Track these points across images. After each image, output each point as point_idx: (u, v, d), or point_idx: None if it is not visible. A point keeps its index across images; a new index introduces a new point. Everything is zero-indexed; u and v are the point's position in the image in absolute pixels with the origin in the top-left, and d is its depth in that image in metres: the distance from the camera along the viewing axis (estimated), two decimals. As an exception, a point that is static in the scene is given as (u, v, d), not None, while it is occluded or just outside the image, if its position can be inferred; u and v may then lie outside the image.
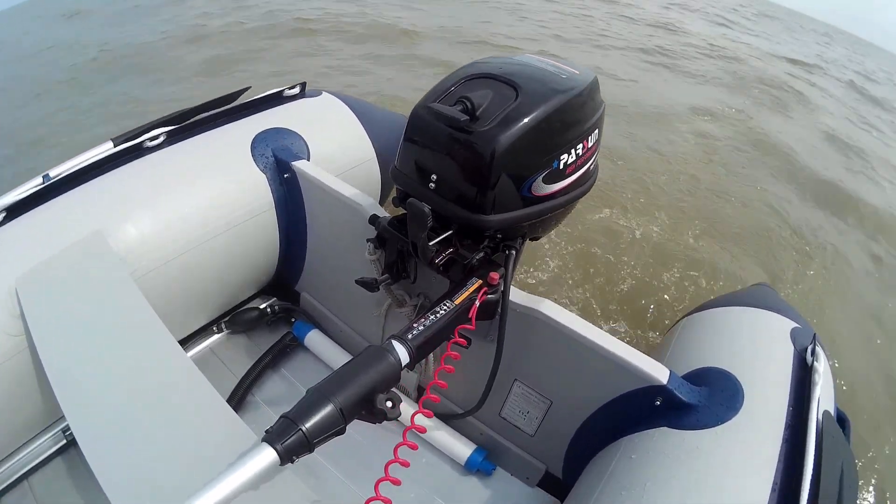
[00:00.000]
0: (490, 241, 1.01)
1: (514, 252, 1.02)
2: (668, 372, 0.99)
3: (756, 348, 1.10)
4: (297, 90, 1.67)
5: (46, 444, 1.33)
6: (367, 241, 1.20)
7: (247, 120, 1.54)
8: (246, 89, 1.66)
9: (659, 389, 0.98)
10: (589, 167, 1.08)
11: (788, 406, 0.95)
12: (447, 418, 1.36)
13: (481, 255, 0.99)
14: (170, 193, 1.36)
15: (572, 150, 1.00)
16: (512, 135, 0.91)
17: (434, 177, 0.96)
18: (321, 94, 1.73)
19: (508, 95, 0.95)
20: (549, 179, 0.99)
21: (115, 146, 1.41)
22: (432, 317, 0.92)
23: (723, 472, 0.86)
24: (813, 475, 0.81)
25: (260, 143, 1.48)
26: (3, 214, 1.24)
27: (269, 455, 0.70)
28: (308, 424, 0.71)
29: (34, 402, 1.25)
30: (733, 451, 0.89)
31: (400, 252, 1.16)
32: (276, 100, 1.64)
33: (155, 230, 1.31)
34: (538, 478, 1.31)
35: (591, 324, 1.06)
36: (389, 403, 0.78)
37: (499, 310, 1.03)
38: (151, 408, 0.94)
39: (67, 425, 1.32)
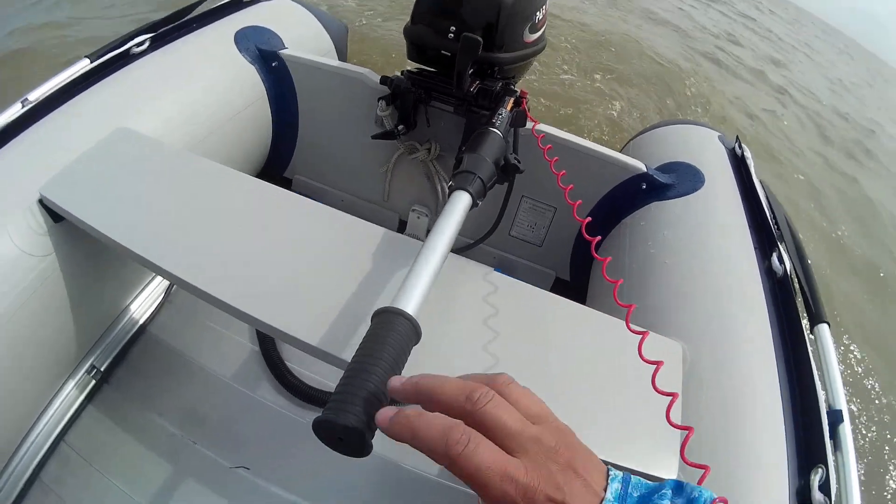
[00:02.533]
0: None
1: (514, 85, 1.35)
2: (644, 164, 1.39)
3: (700, 147, 1.54)
4: (247, -1, 1.84)
5: (73, 394, 1.36)
6: (379, 99, 1.47)
7: (220, 22, 1.70)
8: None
9: (642, 176, 1.38)
10: (545, 28, 1.41)
11: (736, 180, 1.39)
12: (461, 251, 1.55)
13: (500, 84, 1.30)
14: (169, 91, 1.48)
15: (542, 8, 1.33)
16: (514, -9, 1.21)
17: (453, 28, 1.24)
18: (263, 2, 1.91)
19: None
20: (532, 29, 1.31)
21: (91, 62, 1.45)
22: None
23: (709, 221, 1.27)
24: (770, 214, 1.24)
25: (242, 40, 1.66)
26: None
27: (464, 200, 0.86)
28: (481, 175, 0.93)
29: (60, 342, 1.27)
30: (711, 207, 1.31)
31: (414, 102, 1.43)
32: (238, 4, 1.79)
33: (165, 129, 1.41)
34: (549, 284, 1.66)
35: (579, 136, 1.43)
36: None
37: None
38: (280, 242, 1.01)
39: (91, 364, 1.38)
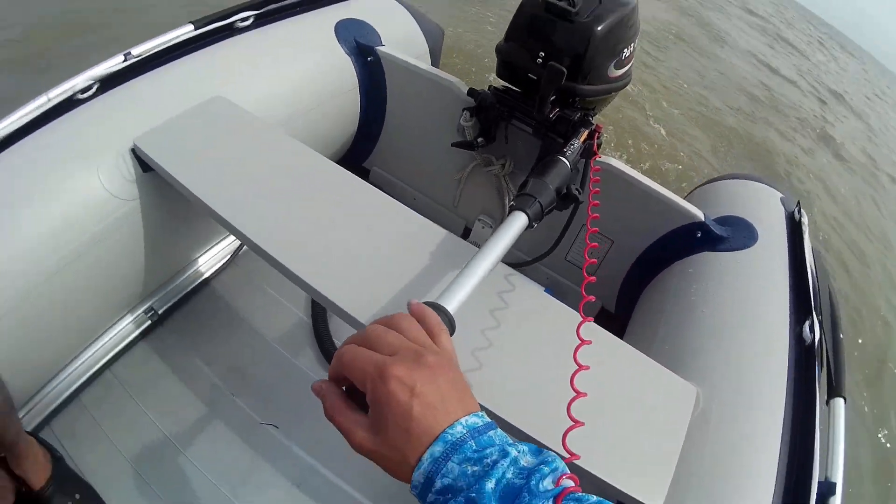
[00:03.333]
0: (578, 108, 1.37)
1: (592, 116, 1.38)
2: (703, 213, 1.41)
3: (760, 205, 1.55)
4: (349, -11, 1.93)
5: (128, 328, 1.47)
6: (464, 109, 1.53)
7: (324, 10, 1.80)
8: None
9: (699, 225, 1.41)
10: (632, 65, 1.44)
11: (788, 242, 1.40)
12: (517, 266, 1.56)
13: (579, 114, 1.34)
14: (266, 69, 1.58)
15: (630, 46, 1.36)
16: (603, 27, 1.24)
17: (542, 53, 1.28)
18: None
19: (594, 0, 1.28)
20: (618, 66, 1.34)
21: (195, 28, 1.54)
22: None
23: (753, 280, 1.29)
24: (813, 283, 1.26)
25: (342, 30, 1.75)
26: (97, 86, 1.30)
27: (521, 220, 0.93)
28: (542, 198, 1.01)
29: (127, 279, 1.37)
30: (758, 266, 1.33)
31: (496, 118, 1.49)
32: (332, -3, 1.88)
33: (258, 103, 1.48)
34: (594, 312, 1.70)
35: (645, 175, 1.46)
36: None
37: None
38: (343, 223, 1.11)
39: (150, 306, 1.49)
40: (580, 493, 0.44)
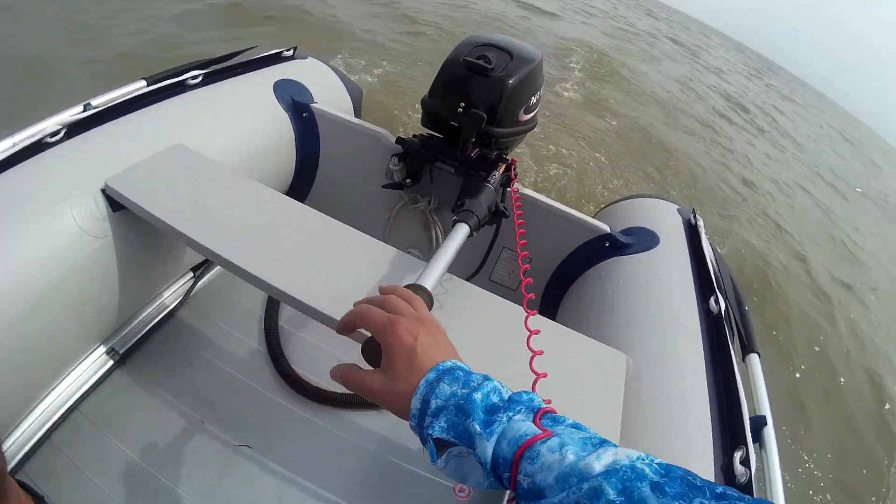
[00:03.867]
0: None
1: (506, 155, 1.64)
2: (609, 226, 1.69)
3: (660, 216, 1.87)
4: (291, 52, 2.15)
5: (92, 367, 1.52)
6: (393, 155, 1.77)
7: (262, 71, 2.01)
8: (254, 47, 2.10)
9: (606, 236, 1.69)
10: (538, 110, 1.72)
11: (687, 241, 1.71)
12: None
13: (496, 152, 1.59)
14: (216, 121, 1.75)
15: (537, 94, 1.65)
16: (514, 80, 1.52)
17: (462, 104, 1.54)
18: (307, 57, 2.22)
19: (505, 57, 1.56)
20: (526, 111, 1.62)
21: (148, 85, 1.71)
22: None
23: (660, 273, 1.57)
24: (714, 268, 1.56)
25: (280, 89, 1.96)
26: (65, 131, 1.42)
27: (464, 229, 1.19)
28: (478, 212, 1.26)
29: (90, 318, 1.44)
30: (663, 262, 1.61)
31: (422, 161, 1.73)
32: (278, 58, 2.11)
33: (209, 151, 1.61)
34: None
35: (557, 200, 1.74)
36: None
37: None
38: (300, 245, 1.27)
39: (114, 345, 1.56)
40: (557, 414, 0.56)
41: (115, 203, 1.37)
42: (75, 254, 1.30)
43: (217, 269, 1.91)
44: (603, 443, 0.51)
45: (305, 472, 1.42)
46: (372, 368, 0.63)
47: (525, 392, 0.58)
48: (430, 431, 0.56)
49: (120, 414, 1.48)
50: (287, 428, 1.50)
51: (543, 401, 0.58)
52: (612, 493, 0.43)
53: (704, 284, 1.53)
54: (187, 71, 1.81)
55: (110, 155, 1.44)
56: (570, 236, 1.78)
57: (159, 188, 1.37)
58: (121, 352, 1.56)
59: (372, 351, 0.65)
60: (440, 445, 0.56)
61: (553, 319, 1.77)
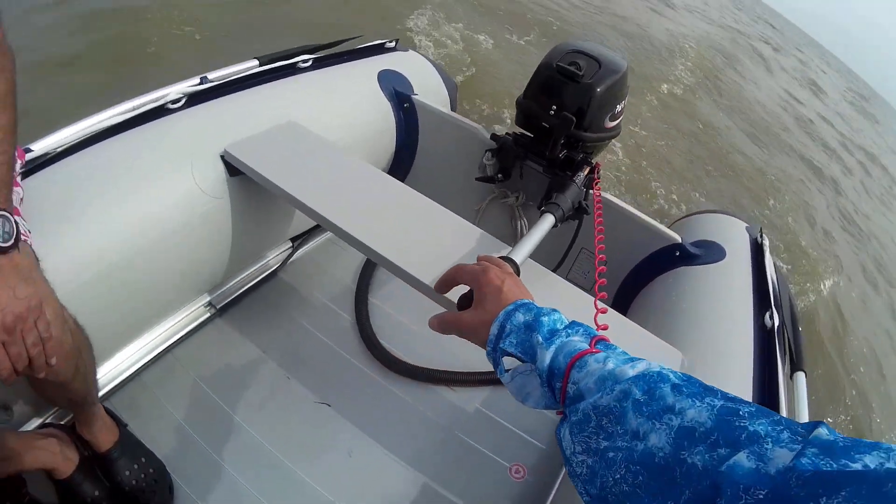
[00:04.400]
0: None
1: (591, 159, 1.74)
2: (680, 237, 1.77)
3: (728, 232, 1.93)
4: (394, 44, 2.30)
5: (193, 315, 1.68)
6: (486, 150, 1.88)
7: (367, 60, 2.15)
8: (359, 36, 2.26)
9: (677, 246, 1.77)
10: (623, 118, 1.79)
11: (752, 260, 1.77)
12: None
13: (582, 155, 1.69)
14: (324, 103, 1.90)
15: (622, 102, 1.72)
16: (602, 87, 1.60)
17: (554, 107, 1.63)
18: (408, 49, 2.37)
19: (595, 65, 1.63)
20: (612, 118, 1.70)
21: (260, 65, 1.86)
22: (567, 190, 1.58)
23: (723, 285, 1.64)
24: (773, 285, 1.62)
25: (383, 79, 2.10)
26: (185, 99, 1.57)
27: (550, 219, 1.36)
28: (563, 206, 1.41)
29: (201, 268, 1.59)
30: (726, 275, 1.68)
31: (513, 158, 1.84)
32: (381, 49, 2.25)
33: (316, 129, 1.74)
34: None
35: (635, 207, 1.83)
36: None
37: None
38: (398, 217, 1.41)
39: (215, 297, 1.72)
40: (609, 342, 0.65)
41: (232, 168, 1.53)
42: (191, 210, 1.46)
43: (316, 240, 2.06)
44: (641, 359, 0.60)
45: (376, 434, 1.54)
46: None
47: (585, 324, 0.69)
48: (502, 345, 0.67)
49: (211, 361, 1.62)
50: (365, 392, 1.63)
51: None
52: (637, 394, 0.52)
53: (763, 300, 1.58)
54: (298, 55, 1.96)
55: (228, 125, 1.60)
56: (644, 242, 1.85)
57: (274, 158, 1.52)
58: (218, 306, 1.72)
59: (466, 304, 0.78)
60: (509, 367, 0.67)
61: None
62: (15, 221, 0.84)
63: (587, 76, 1.60)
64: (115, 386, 1.48)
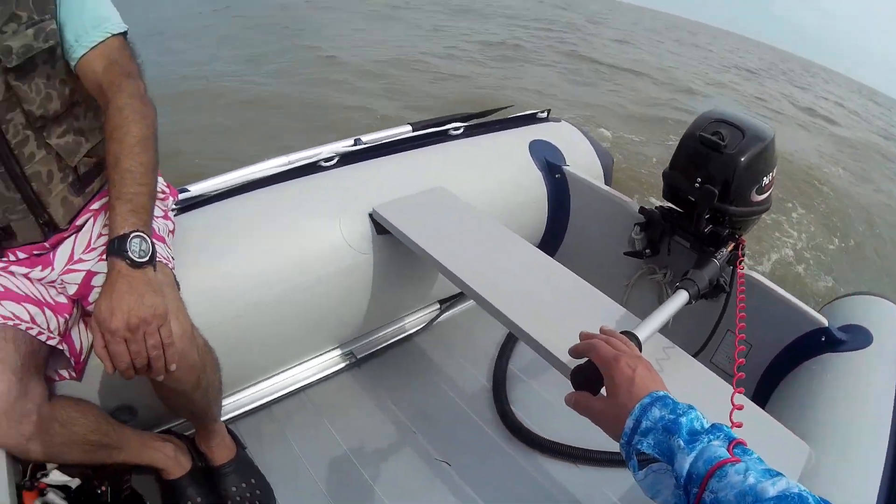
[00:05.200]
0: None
1: (739, 235, 1.66)
2: (826, 320, 1.62)
3: (879, 317, 1.74)
4: (545, 114, 2.36)
5: (331, 361, 1.77)
6: (635, 224, 1.86)
7: (518, 130, 2.23)
8: (510, 106, 2.37)
9: (824, 330, 1.61)
10: (771, 192, 1.68)
11: None
12: None
13: (728, 230, 1.62)
14: (474, 171, 1.97)
15: (769, 174, 1.62)
16: (745, 158, 1.53)
17: (699, 179, 1.59)
18: (560, 120, 2.42)
19: (738, 134, 1.57)
20: (759, 192, 1.61)
21: (413, 130, 2.01)
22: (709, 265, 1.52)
23: (864, 378, 1.48)
24: None
25: (535, 149, 2.15)
26: (337, 158, 1.71)
27: (683, 296, 1.35)
28: (699, 283, 1.38)
29: (343, 317, 1.68)
30: (869, 366, 1.51)
31: (661, 233, 1.80)
32: (533, 119, 2.33)
33: (465, 197, 1.79)
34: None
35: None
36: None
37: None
38: (534, 290, 1.41)
39: (354, 348, 1.80)
40: (746, 447, 0.64)
41: (379, 227, 1.64)
42: (338, 262, 1.59)
43: (461, 306, 2.11)
44: (780, 474, 0.58)
45: (492, 500, 1.50)
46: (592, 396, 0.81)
47: (723, 424, 0.67)
48: (638, 446, 0.67)
49: (341, 405, 1.69)
50: (488, 458, 1.61)
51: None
52: None
53: None
54: (449, 122, 2.09)
55: (378, 185, 1.73)
56: (790, 325, 1.70)
57: (422, 221, 1.60)
58: (359, 356, 1.82)
59: (583, 376, 0.83)
60: (642, 461, 0.67)
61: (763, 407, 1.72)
62: (152, 243, 0.99)
63: (730, 146, 1.55)
64: (245, 412, 1.59)
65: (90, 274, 1.15)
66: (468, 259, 1.45)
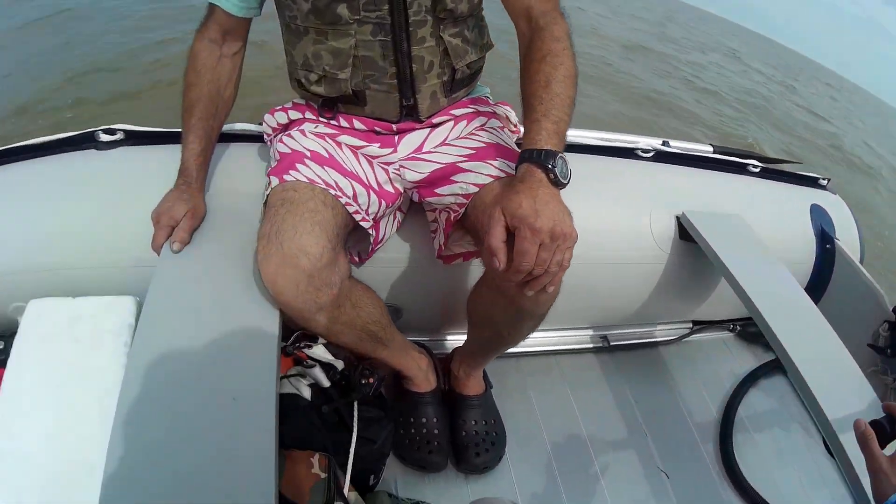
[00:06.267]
0: None
1: None
2: None
3: None
4: (826, 182, 2.30)
5: (585, 337, 1.85)
6: (885, 321, 1.84)
7: (802, 189, 2.19)
8: (799, 163, 2.31)
9: None
10: None
11: None
12: None
13: None
14: (757, 213, 1.89)
15: None
16: None
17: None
18: (836, 194, 2.34)
19: None
20: None
21: (714, 152, 2.05)
22: None
23: None
24: None
25: (815, 213, 2.11)
26: (652, 153, 1.81)
27: None
28: None
29: (619, 303, 1.79)
30: None
31: None
32: (814, 182, 2.26)
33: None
34: None
35: None
36: None
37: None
38: None
39: (607, 335, 1.87)
40: None
41: (683, 231, 1.68)
42: (641, 252, 1.67)
43: (709, 334, 2.11)
44: None
45: None
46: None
47: None
48: None
49: (585, 381, 1.76)
50: (704, 487, 1.61)
51: None
52: None
53: None
54: (749, 157, 2.10)
55: (684, 192, 1.79)
56: None
57: (723, 239, 1.63)
58: (612, 343, 1.88)
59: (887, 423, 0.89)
60: None
61: None
62: (570, 171, 0.97)
63: None
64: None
65: (449, 168, 1.18)
66: (759, 290, 1.47)
